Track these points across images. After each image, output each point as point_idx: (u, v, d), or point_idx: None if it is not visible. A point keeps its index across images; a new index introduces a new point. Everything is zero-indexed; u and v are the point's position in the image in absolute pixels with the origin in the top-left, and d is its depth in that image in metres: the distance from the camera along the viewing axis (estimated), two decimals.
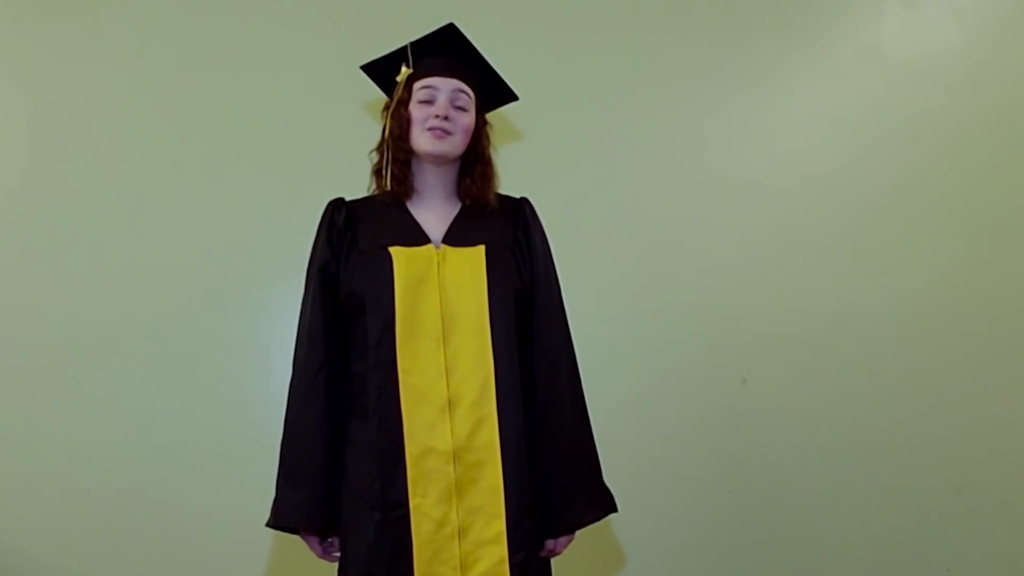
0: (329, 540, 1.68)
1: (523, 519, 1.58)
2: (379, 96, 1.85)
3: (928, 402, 2.55)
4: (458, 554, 1.56)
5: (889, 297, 2.57)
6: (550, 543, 1.68)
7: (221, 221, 2.44)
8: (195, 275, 2.42)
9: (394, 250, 1.63)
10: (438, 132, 1.66)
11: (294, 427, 1.65)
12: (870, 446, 2.54)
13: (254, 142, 2.47)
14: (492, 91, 1.79)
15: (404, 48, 1.71)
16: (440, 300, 1.61)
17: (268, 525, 1.65)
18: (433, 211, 1.72)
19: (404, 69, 1.71)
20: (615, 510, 1.71)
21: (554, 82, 2.52)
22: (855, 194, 2.61)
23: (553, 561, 1.72)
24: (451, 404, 1.58)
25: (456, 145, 1.70)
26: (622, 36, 2.60)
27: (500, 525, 1.57)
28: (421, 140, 1.68)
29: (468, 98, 1.71)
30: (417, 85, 1.70)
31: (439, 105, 1.68)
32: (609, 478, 1.72)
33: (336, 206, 1.73)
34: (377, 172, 1.73)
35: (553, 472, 1.65)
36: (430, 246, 1.66)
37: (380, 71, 1.77)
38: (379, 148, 1.74)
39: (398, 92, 1.71)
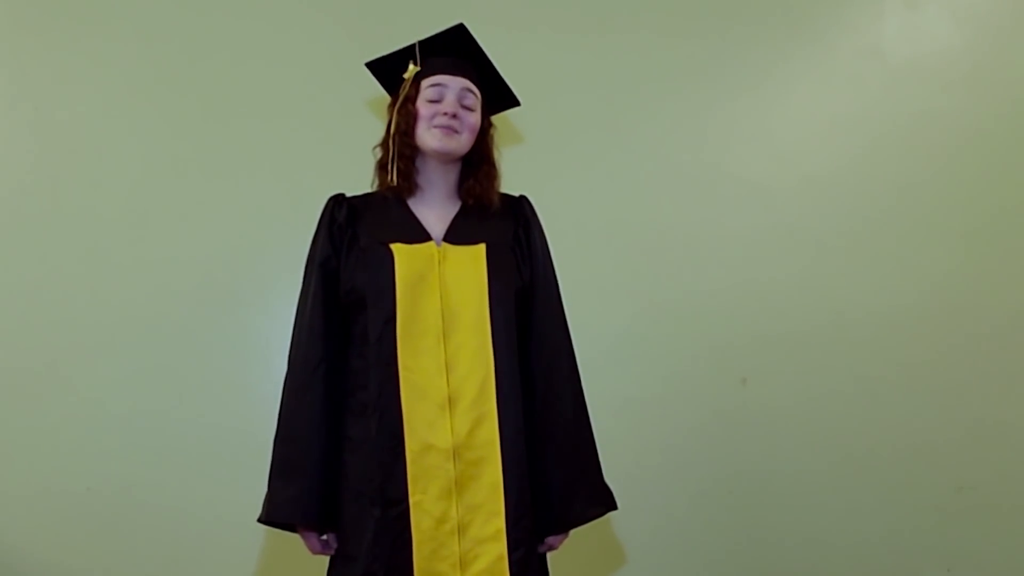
0: (325, 537, 1.66)
1: (523, 516, 1.58)
2: (380, 96, 1.85)
3: (928, 402, 2.55)
4: (457, 551, 1.56)
5: (889, 297, 2.57)
6: (549, 539, 1.68)
7: (221, 221, 2.44)
8: (195, 275, 2.42)
9: (395, 247, 1.64)
10: (446, 129, 1.67)
11: (289, 421, 1.64)
12: (870, 446, 2.54)
13: (254, 141, 2.47)
14: (495, 94, 1.80)
15: (412, 46, 1.71)
16: (441, 297, 1.62)
17: (260, 521, 1.62)
18: (434, 209, 1.73)
19: (412, 67, 1.71)
20: (615, 507, 1.71)
21: (554, 82, 2.52)
22: (855, 194, 2.60)
23: (554, 560, 1.72)
24: (451, 401, 1.58)
25: (463, 143, 1.70)
26: (622, 36, 2.60)
27: (500, 522, 1.57)
28: (428, 137, 1.68)
29: (475, 98, 1.72)
30: (425, 83, 1.70)
31: (447, 103, 1.68)
32: (609, 477, 1.72)
33: (337, 202, 1.73)
34: (382, 167, 1.73)
35: (553, 469, 1.65)
36: (431, 243, 1.67)
37: (385, 69, 1.77)
38: (384, 143, 1.74)
39: (405, 88, 1.71)
